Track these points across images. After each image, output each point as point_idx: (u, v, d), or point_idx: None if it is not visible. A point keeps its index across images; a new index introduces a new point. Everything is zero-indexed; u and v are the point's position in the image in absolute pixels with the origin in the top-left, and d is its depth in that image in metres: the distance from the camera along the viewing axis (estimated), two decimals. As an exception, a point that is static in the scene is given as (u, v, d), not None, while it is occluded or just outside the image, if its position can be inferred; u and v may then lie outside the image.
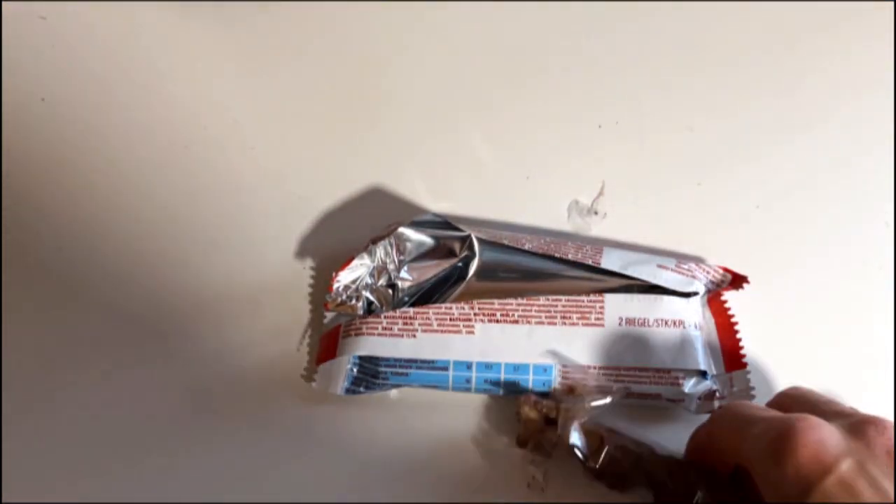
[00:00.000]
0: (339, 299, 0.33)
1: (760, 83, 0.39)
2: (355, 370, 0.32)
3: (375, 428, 0.33)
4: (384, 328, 0.32)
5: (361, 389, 0.32)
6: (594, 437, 0.29)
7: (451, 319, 0.32)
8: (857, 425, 0.22)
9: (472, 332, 0.32)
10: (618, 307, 0.32)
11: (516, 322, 0.32)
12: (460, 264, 0.34)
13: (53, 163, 0.38)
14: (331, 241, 0.36)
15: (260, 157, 0.38)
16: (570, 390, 0.30)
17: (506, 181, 0.38)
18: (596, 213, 0.37)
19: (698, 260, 0.35)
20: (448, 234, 0.34)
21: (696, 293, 0.32)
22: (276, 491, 0.32)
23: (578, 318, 0.32)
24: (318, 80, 0.40)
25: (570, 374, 0.31)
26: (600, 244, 0.34)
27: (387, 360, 0.32)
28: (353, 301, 0.33)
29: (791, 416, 0.23)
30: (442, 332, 0.32)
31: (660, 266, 0.33)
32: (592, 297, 0.32)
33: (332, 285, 0.33)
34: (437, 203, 0.37)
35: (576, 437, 0.28)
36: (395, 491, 0.31)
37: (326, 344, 0.33)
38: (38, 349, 0.34)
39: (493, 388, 0.31)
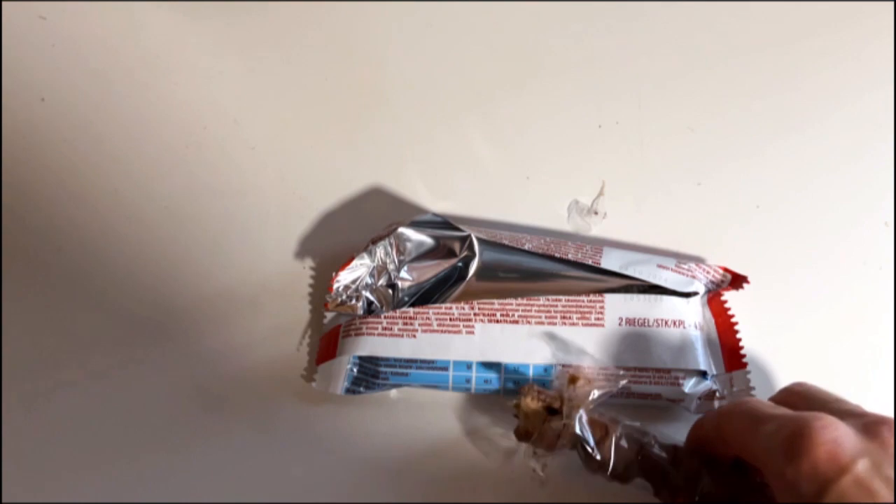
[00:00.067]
0: (339, 299, 0.33)
1: (760, 83, 0.39)
2: (355, 370, 0.32)
3: (375, 428, 0.33)
4: (384, 328, 0.32)
5: (361, 389, 0.32)
6: (599, 426, 0.28)
7: (451, 319, 0.32)
8: (870, 426, 0.22)
9: (472, 332, 0.32)
10: (618, 307, 0.32)
11: (516, 322, 0.32)
12: (460, 264, 0.34)
13: (53, 163, 0.38)
14: (331, 241, 0.36)
15: (260, 157, 0.38)
16: (572, 380, 0.29)
17: (506, 181, 0.38)
18: (596, 213, 0.37)
19: (698, 260, 0.35)
20: (448, 234, 0.34)
21: (696, 293, 0.32)
22: (276, 490, 0.32)
23: (578, 318, 0.32)
24: (318, 80, 0.40)
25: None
26: (600, 244, 0.34)
27: (387, 360, 0.32)
28: (353, 301, 0.33)
29: (806, 415, 0.23)
30: (442, 332, 0.32)
31: (660, 266, 0.33)
32: (592, 297, 0.32)
33: (332, 285, 0.33)
34: (437, 203, 0.37)
35: (581, 427, 0.27)
36: (395, 490, 0.31)
37: (326, 344, 0.33)
38: (38, 349, 0.34)
39: (493, 389, 0.31)
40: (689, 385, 0.31)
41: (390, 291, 0.34)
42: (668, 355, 0.31)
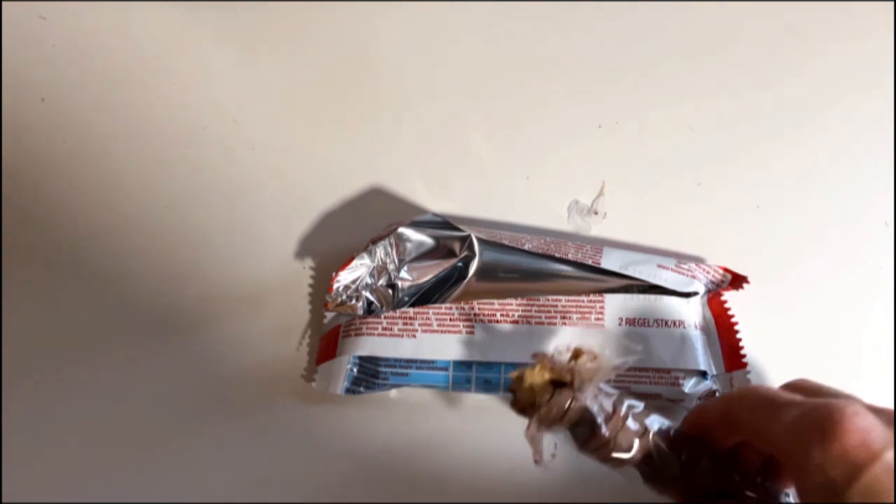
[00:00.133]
0: (339, 299, 0.33)
1: (760, 83, 0.39)
2: (355, 370, 0.32)
3: (375, 428, 0.33)
4: (384, 328, 0.32)
5: (361, 389, 0.32)
6: (608, 402, 0.26)
7: (451, 319, 0.32)
8: (892, 417, 0.22)
9: (472, 332, 0.32)
10: (618, 307, 0.32)
11: (516, 322, 0.32)
12: (460, 264, 0.34)
13: (53, 163, 0.38)
14: (331, 241, 0.36)
15: (260, 156, 0.38)
16: (576, 354, 0.26)
17: (506, 181, 0.38)
18: (596, 213, 0.37)
19: (698, 260, 0.35)
20: (448, 234, 0.34)
21: (696, 293, 0.32)
22: (276, 490, 0.32)
23: (578, 319, 0.32)
24: (318, 79, 0.40)
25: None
26: (600, 244, 0.34)
27: (387, 360, 0.32)
28: (353, 301, 0.33)
29: (836, 401, 0.23)
30: (442, 332, 0.32)
31: (660, 266, 0.33)
32: (592, 297, 0.32)
33: (332, 285, 0.33)
34: (437, 203, 0.37)
35: (592, 401, 0.25)
36: (395, 490, 0.31)
37: (326, 344, 0.33)
38: (39, 349, 0.34)
39: (493, 389, 0.31)
40: (689, 385, 0.31)
41: (390, 291, 0.34)
42: (668, 355, 0.31)
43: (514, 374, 0.26)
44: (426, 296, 0.34)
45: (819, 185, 0.37)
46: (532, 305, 0.32)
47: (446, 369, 0.31)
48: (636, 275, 0.33)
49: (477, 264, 0.34)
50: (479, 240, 0.34)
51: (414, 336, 0.32)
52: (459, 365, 0.31)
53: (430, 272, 0.34)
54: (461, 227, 0.34)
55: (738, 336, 0.32)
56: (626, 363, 0.26)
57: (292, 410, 0.33)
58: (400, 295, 0.34)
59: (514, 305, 0.32)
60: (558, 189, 0.37)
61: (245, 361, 0.34)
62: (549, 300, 0.32)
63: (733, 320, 0.33)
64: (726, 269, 0.33)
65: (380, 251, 0.33)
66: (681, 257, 0.34)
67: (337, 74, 0.40)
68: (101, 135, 0.39)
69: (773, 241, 0.36)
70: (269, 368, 0.34)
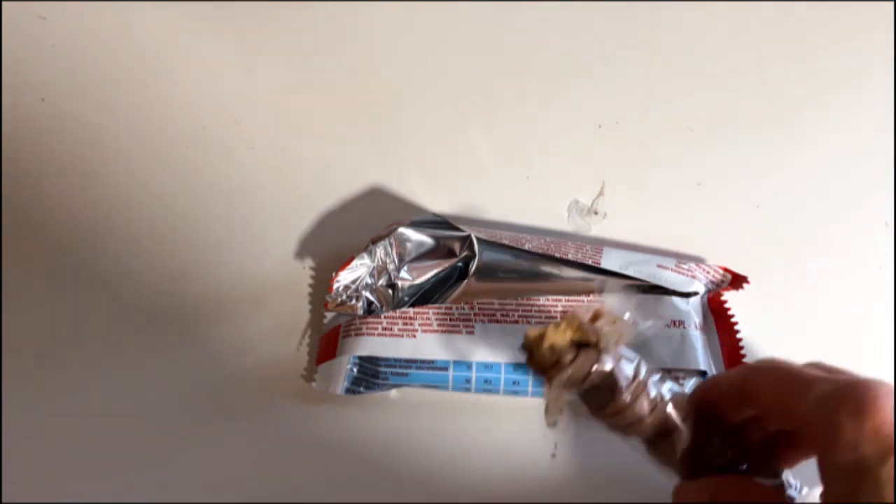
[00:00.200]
0: (339, 299, 0.33)
1: (760, 83, 0.40)
2: (355, 370, 0.32)
3: (375, 428, 0.33)
4: (384, 328, 0.32)
5: (361, 389, 0.32)
6: (630, 367, 0.25)
7: (451, 319, 0.32)
8: None
9: (472, 332, 0.32)
10: (618, 307, 0.32)
11: (516, 322, 0.32)
12: (460, 264, 0.34)
13: (53, 162, 0.38)
14: (331, 241, 0.36)
15: (260, 156, 0.38)
16: (595, 316, 0.25)
17: (506, 181, 0.38)
18: (596, 213, 0.37)
19: (698, 260, 0.35)
20: (448, 234, 0.34)
21: (696, 293, 0.32)
22: (276, 490, 0.32)
23: (578, 318, 0.32)
24: (318, 80, 0.40)
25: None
26: (600, 244, 0.34)
27: (387, 360, 0.32)
28: (353, 301, 0.33)
29: (871, 379, 0.23)
30: (442, 332, 0.32)
31: (660, 266, 0.33)
32: (592, 298, 0.32)
33: (332, 285, 0.33)
34: (437, 203, 0.37)
35: (620, 365, 0.24)
36: (395, 490, 0.31)
37: (326, 344, 0.33)
38: (39, 349, 0.34)
39: (493, 389, 0.31)
40: (690, 385, 0.31)
41: (390, 291, 0.34)
42: (668, 355, 0.31)
43: (532, 332, 0.25)
44: (426, 296, 0.34)
45: (819, 185, 0.37)
46: (532, 305, 0.32)
47: (446, 369, 0.31)
48: (636, 275, 0.33)
49: (477, 264, 0.34)
50: (479, 240, 0.34)
51: (414, 336, 0.32)
52: (459, 365, 0.31)
53: (429, 272, 0.34)
54: (461, 227, 0.34)
55: (738, 336, 0.32)
56: (648, 327, 0.26)
57: (292, 410, 0.33)
58: (400, 295, 0.34)
59: (513, 305, 0.32)
60: (558, 189, 0.37)
61: (245, 361, 0.34)
62: (549, 300, 0.32)
63: (733, 320, 0.33)
64: (726, 269, 0.33)
65: (380, 251, 0.33)
66: (681, 257, 0.34)
67: (337, 74, 0.40)
68: (101, 135, 0.39)
69: (773, 241, 0.36)
70: (269, 368, 0.34)
